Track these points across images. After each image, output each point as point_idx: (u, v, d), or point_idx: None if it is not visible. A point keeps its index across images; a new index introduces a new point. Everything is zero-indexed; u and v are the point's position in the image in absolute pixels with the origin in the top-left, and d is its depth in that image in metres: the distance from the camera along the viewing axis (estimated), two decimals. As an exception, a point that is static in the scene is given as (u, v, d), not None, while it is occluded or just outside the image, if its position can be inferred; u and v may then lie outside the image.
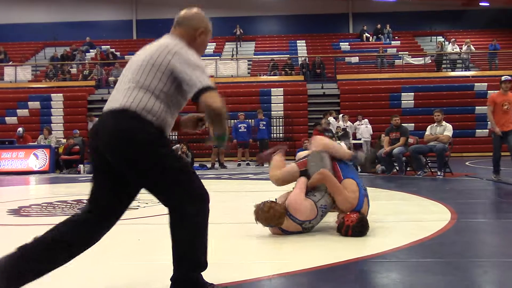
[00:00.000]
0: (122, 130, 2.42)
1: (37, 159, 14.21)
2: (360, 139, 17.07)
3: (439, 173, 10.01)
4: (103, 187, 2.53)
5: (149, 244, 4.05)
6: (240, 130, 15.22)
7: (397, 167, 10.79)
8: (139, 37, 29.39)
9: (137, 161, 2.42)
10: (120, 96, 2.50)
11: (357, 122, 18.01)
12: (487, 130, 19.61)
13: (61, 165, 14.05)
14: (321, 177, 4.32)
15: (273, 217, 4.12)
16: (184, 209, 2.46)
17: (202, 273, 2.57)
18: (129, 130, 2.42)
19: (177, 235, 2.49)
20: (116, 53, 25.86)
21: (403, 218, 5.12)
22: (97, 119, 2.74)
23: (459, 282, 2.91)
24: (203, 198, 2.53)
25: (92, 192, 2.55)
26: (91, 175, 2.60)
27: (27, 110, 20.64)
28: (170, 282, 2.54)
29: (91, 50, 26.27)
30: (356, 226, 4.08)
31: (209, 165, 14.52)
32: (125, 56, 25.68)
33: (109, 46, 26.39)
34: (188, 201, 2.47)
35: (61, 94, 21.19)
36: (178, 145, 15.92)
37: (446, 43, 25.26)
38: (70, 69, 24.01)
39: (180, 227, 2.48)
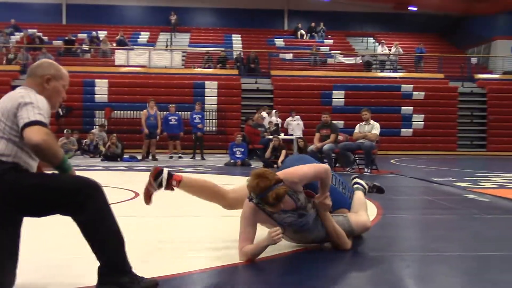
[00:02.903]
0: None
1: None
2: (292, 135, 17.34)
3: (366, 170, 10.35)
4: None
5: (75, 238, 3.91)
6: (170, 122, 15.00)
7: (327, 164, 11.04)
8: (69, 22, 28.27)
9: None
10: None
11: (290, 118, 18.29)
12: (411, 130, 20.56)
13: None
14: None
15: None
16: (83, 212, 2.37)
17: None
18: None
19: (93, 241, 2.42)
20: (44, 37, 24.75)
21: (332, 213, 5.23)
22: None
23: (382, 275, 3.01)
24: (89, 189, 2.40)
25: None
26: None
27: None
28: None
29: (16, 33, 24.97)
30: None
31: (139, 157, 14.25)
32: (53, 41, 24.65)
33: (36, 30, 25.19)
34: (79, 203, 2.36)
35: (-18, 78, 20.03)
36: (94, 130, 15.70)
37: (376, 44, 26.14)
38: (-7, 52, 22.75)
39: (91, 233, 2.41)
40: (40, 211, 2.45)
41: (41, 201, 2.38)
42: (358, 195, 3.96)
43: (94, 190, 2.41)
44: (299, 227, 3.35)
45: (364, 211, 3.80)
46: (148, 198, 3.61)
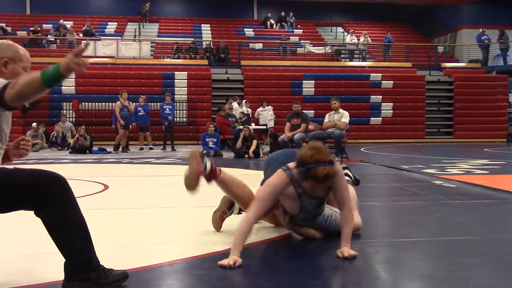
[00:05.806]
0: None
1: None
2: (265, 125, 17.37)
3: (336, 159, 10.46)
4: None
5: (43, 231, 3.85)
6: (139, 113, 14.88)
7: (298, 153, 11.10)
8: (34, 12, 27.57)
9: None
10: None
11: (260, 108, 18.31)
12: (381, 118, 20.83)
13: None
14: None
15: None
16: (46, 207, 2.30)
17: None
18: None
19: (57, 237, 2.36)
20: (7, 28, 24.10)
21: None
22: None
23: (352, 262, 3.06)
24: (53, 183, 2.32)
25: None
26: None
27: None
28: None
29: (-22, 24, 24.27)
30: None
31: (109, 149, 14.07)
32: (18, 32, 24.04)
33: (-1, 20, 24.53)
34: (42, 199, 2.29)
35: None
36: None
37: (345, 34, 26.32)
38: (-46, 43, 22.04)
39: (54, 229, 2.35)
40: (2, 208, 2.37)
41: (3, 198, 2.30)
42: (351, 190, 3.97)
43: (58, 184, 2.33)
44: (313, 215, 3.39)
45: (357, 210, 3.82)
46: (197, 179, 3.26)
